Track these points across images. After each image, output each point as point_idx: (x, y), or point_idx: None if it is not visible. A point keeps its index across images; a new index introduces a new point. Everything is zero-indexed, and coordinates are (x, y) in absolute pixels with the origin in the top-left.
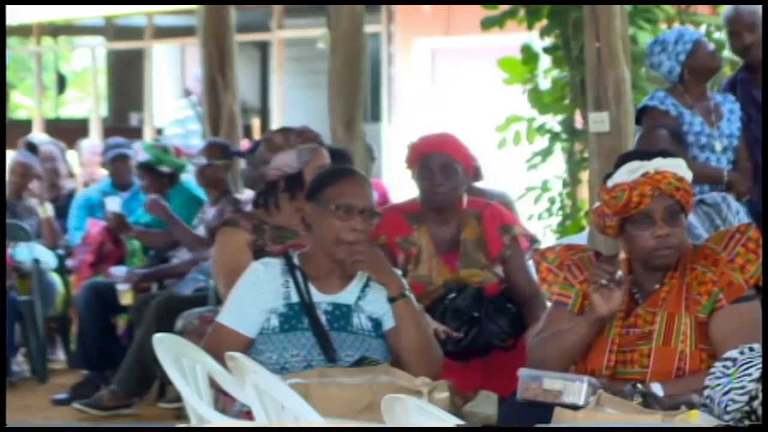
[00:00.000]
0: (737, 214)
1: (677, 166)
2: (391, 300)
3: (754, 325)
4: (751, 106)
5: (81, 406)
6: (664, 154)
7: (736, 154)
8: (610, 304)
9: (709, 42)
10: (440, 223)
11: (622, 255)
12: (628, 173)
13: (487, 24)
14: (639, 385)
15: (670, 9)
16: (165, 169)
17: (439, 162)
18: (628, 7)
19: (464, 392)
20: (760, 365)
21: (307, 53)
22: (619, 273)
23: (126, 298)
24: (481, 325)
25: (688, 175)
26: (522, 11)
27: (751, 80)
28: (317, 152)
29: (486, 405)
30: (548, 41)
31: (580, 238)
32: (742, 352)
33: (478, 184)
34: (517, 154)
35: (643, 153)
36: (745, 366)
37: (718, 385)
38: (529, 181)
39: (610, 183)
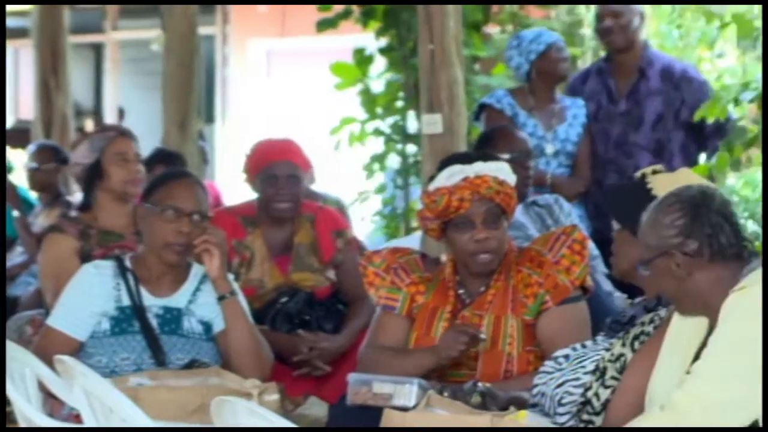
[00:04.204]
0: (569, 215)
1: (499, 170)
2: (221, 298)
3: (581, 326)
4: (602, 95)
5: None
6: (486, 157)
7: (574, 159)
8: (453, 349)
9: (565, 50)
10: (274, 227)
11: (444, 257)
12: (448, 177)
13: (322, 26)
14: (479, 384)
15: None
16: None
17: (285, 172)
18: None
19: (295, 397)
20: (596, 359)
21: (141, 55)
22: (482, 336)
23: None
24: (312, 329)
25: (511, 178)
26: (357, 11)
27: (609, 69)
28: (114, 139)
29: (315, 408)
30: (383, 42)
31: (413, 240)
32: (574, 349)
33: (312, 187)
34: (353, 155)
35: (465, 156)
36: (578, 360)
37: (551, 379)
38: (365, 183)
39: (431, 186)
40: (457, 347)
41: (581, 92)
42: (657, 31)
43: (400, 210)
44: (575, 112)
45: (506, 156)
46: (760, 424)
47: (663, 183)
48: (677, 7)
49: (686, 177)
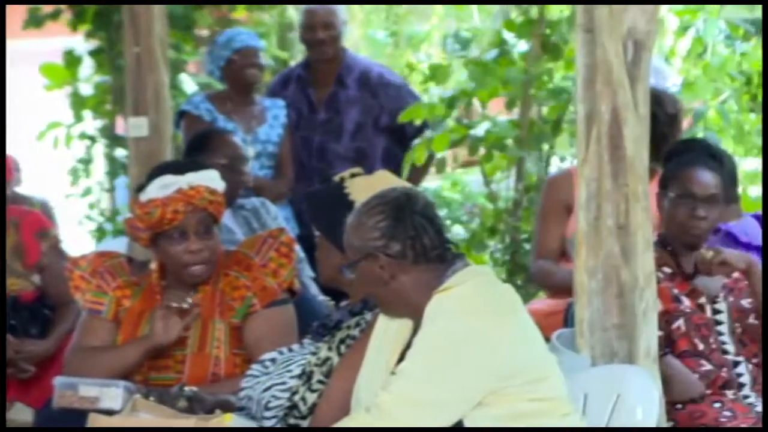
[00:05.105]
0: (276, 218)
1: (211, 179)
2: None
3: (287, 329)
4: (303, 103)
5: None
6: (197, 166)
7: (277, 160)
8: (168, 333)
9: (256, 55)
10: None
11: (154, 265)
12: (161, 188)
13: (28, 24)
14: (186, 388)
15: (209, 15)
16: None
17: None
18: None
19: None
20: (302, 363)
21: None
22: (188, 301)
23: None
24: (17, 334)
25: (221, 186)
26: (67, 13)
27: (308, 78)
28: None
29: (21, 413)
30: (93, 44)
31: (119, 243)
32: (281, 352)
33: (19, 190)
34: (61, 158)
35: (176, 166)
36: (285, 364)
37: (258, 383)
38: (73, 186)
39: (143, 197)
40: (173, 333)
41: (282, 96)
42: (365, 35)
43: (106, 213)
44: (276, 112)
45: (222, 161)
46: (465, 425)
47: (360, 187)
48: (393, 9)
49: (383, 180)
